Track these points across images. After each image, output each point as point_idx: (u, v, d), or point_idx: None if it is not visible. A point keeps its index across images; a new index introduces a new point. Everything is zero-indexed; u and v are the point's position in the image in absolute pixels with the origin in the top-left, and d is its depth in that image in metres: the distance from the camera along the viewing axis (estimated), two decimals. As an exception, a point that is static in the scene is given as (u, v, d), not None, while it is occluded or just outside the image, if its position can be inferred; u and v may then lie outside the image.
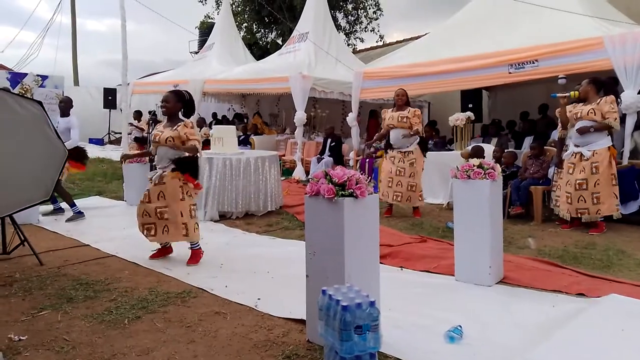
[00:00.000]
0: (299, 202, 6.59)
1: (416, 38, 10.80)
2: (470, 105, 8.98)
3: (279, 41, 19.47)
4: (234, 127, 7.85)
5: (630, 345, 2.59)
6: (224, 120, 14.28)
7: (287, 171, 10.54)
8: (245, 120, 14.22)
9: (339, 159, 10.06)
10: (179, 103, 4.31)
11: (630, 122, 6.05)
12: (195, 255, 4.32)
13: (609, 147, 5.31)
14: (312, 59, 11.03)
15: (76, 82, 20.35)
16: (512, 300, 3.33)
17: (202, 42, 19.05)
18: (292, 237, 5.31)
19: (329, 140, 10.35)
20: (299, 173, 10.18)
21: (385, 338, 2.39)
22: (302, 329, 2.84)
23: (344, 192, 2.54)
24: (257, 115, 14.10)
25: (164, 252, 4.48)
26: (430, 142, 8.67)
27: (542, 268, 4.02)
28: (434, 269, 4.08)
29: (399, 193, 6.22)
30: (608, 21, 6.54)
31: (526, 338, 2.70)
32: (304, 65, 10.60)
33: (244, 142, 11.51)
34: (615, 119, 5.28)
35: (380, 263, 3.56)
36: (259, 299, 3.35)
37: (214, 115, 15.13)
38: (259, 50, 19.17)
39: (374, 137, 6.94)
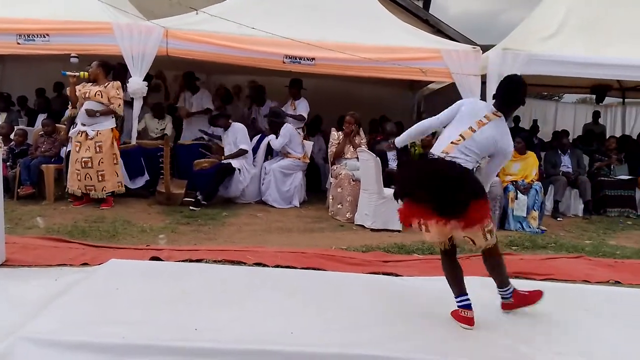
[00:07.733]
0: None
1: None
2: (-29, 75, 7.76)
3: None
4: None
5: (133, 299, 2.96)
6: None
7: None
8: None
9: None
10: None
11: (137, 105, 6.71)
12: None
13: (112, 128, 5.74)
14: None
15: None
16: (11, 282, 3.18)
17: None
18: None
19: None
20: None
21: None
22: None
23: None
24: None
25: None
26: None
27: (49, 245, 4.01)
28: None
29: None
30: (119, 10, 6.95)
31: (25, 315, 2.62)
32: None
33: None
34: (120, 105, 5.76)
35: None
36: None
37: None
38: None
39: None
